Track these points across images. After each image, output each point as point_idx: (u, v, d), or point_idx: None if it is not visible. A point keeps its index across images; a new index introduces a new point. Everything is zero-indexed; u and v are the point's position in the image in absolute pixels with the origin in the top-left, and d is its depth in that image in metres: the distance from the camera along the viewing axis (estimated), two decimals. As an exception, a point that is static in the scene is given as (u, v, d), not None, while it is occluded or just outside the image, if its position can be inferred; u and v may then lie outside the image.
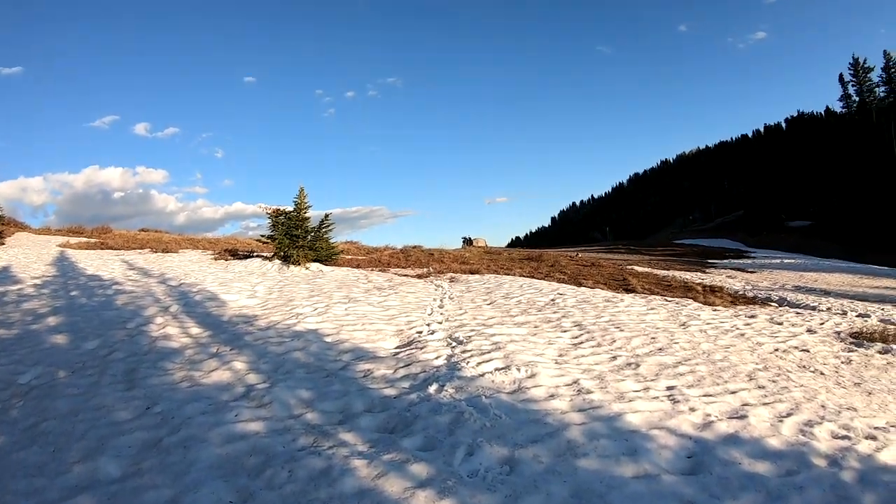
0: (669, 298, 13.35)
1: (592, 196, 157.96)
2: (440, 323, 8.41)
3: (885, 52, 55.62)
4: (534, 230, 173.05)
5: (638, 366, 6.36)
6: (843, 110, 60.95)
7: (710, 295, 14.86)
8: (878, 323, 10.65)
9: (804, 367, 7.21)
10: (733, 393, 5.52)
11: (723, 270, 24.76)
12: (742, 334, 8.86)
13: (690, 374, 6.12)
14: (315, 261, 16.23)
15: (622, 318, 9.50)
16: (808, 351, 7.98)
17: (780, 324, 9.93)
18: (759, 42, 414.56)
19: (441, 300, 10.84)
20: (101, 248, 19.15)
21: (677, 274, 21.48)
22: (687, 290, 15.52)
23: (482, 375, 5.52)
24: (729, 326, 9.41)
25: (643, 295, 13.92)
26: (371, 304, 9.89)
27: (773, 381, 6.16)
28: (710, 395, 5.35)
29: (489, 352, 6.44)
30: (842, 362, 7.61)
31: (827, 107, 72.76)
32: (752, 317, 10.63)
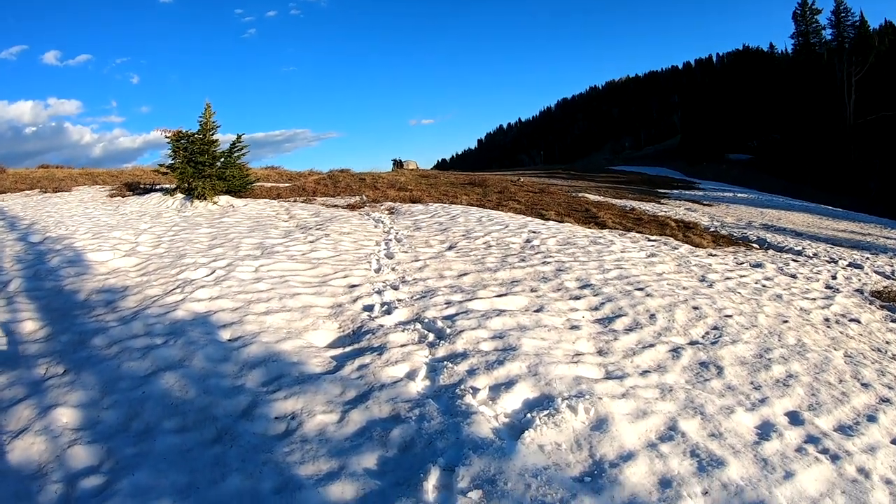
0: (652, 238, 11.67)
1: (520, 119, 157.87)
2: (396, 288, 5.81)
3: None
4: (460, 152, 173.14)
5: (720, 370, 4.22)
6: (794, 48, 61.03)
7: (689, 233, 13.54)
8: (880, 278, 9.62)
9: (878, 349, 5.69)
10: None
11: (678, 202, 23.21)
12: (778, 296, 7.16)
13: (798, 385, 4.18)
14: (226, 192, 13.15)
15: (633, 272, 7.23)
16: (859, 321, 6.57)
17: (794, 277, 8.66)
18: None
19: (387, 244, 8.21)
20: None
21: (637, 205, 19.64)
22: (662, 227, 14.13)
23: (520, 441, 2.94)
24: (751, 282, 7.81)
25: (620, 232, 12.16)
26: (293, 256, 7.12)
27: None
28: (853, 431, 3.61)
29: (497, 359, 3.90)
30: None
31: (771, 43, 73.12)
32: (759, 266, 9.21)
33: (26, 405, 3.37)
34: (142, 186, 15.80)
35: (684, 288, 6.74)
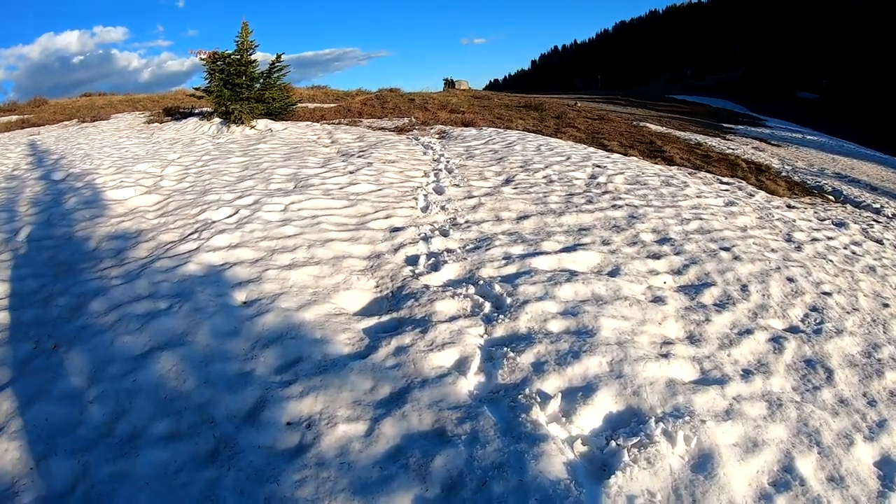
0: (725, 181, 10.63)
1: (575, 42, 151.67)
2: (445, 234, 5.00)
3: None
4: (513, 73, 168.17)
5: (829, 374, 3.48)
6: None
7: (762, 177, 12.38)
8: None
9: None
10: None
11: (745, 139, 21.62)
12: (871, 268, 6.15)
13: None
14: (266, 115, 12.36)
15: (714, 225, 6.25)
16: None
17: (881, 243, 7.67)
18: None
19: (436, 175, 7.36)
20: (23, 127, 15.42)
21: (702, 139, 18.24)
22: (733, 168, 12.98)
23: (604, 490, 2.19)
24: (839, 246, 6.85)
25: (690, 171, 11.17)
26: (329, 190, 6.31)
27: None
28: None
29: (570, 348, 3.09)
30: None
31: None
32: (842, 226, 8.20)
33: (6, 396, 2.83)
34: (181, 111, 15.22)
35: (773, 251, 5.85)
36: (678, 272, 4.64)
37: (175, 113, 15.01)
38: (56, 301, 3.89)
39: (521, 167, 8.02)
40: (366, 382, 2.77)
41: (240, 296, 3.71)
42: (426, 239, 4.86)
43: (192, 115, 13.96)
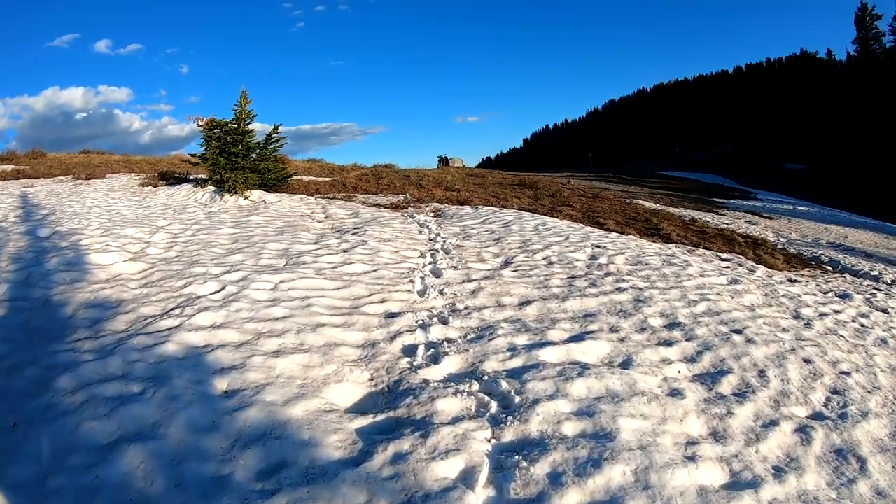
0: (724, 257, 10.46)
1: (566, 120, 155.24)
2: (445, 322, 4.69)
3: None
4: (505, 151, 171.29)
5: (862, 464, 3.27)
6: (855, 53, 57.26)
7: (759, 251, 12.36)
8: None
9: None
10: None
11: (738, 213, 21.76)
12: (882, 340, 6.05)
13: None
14: (261, 185, 12.21)
15: (722, 306, 6.05)
16: None
17: (886, 312, 7.63)
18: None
19: (433, 256, 7.12)
20: (17, 178, 15.47)
21: (696, 215, 18.29)
22: (730, 243, 12.95)
23: None
24: (847, 319, 6.75)
25: (688, 248, 11.02)
26: (322, 269, 6.05)
27: None
28: None
29: (589, 456, 2.79)
30: None
31: (829, 49, 70.04)
32: (846, 297, 8.12)
33: None
34: (176, 176, 15.11)
35: (784, 330, 5.64)
36: (692, 359, 4.39)
37: (170, 177, 14.91)
38: (24, 371, 3.60)
39: (520, 248, 7.82)
40: (360, 496, 2.43)
41: (220, 384, 3.39)
42: (424, 327, 4.55)
43: (186, 180, 13.86)
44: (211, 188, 11.81)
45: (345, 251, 6.90)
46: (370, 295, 5.26)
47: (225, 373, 3.51)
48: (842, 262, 12.52)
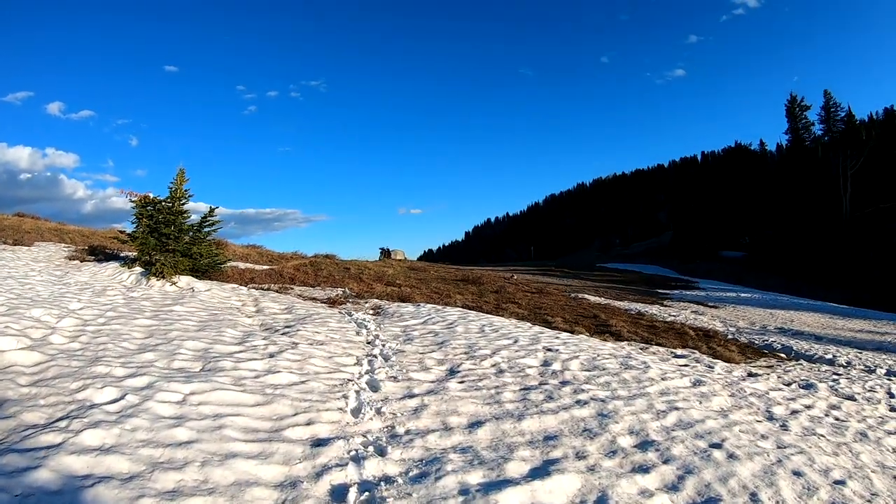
0: (679, 353, 10.26)
1: (507, 214, 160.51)
2: (382, 453, 3.90)
3: (825, 91, 57.33)
4: (447, 244, 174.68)
5: None
6: (788, 143, 61.81)
7: (712, 344, 12.29)
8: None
9: None
10: None
11: (682, 303, 21.89)
12: (862, 434, 6.06)
13: None
14: (191, 271, 11.41)
15: (693, 414, 5.51)
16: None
17: (853, 399, 7.82)
18: (677, 79, 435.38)
19: (371, 364, 6.35)
20: None
21: (642, 308, 18.26)
22: (681, 337, 12.97)
23: None
24: (820, 414, 6.73)
25: (641, 346, 10.72)
26: (242, 379, 5.18)
27: None
28: None
29: None
30: None
31: (761, 140, 74.96)
32: (810, 387, 8.23)
33: None
34: (106, 252, 14.34)
35: (763, 437, 5.22)
36: (674, 487, 3.81)
37: (99, 253, 14.13)
38: None
39: (466, 354, 7.18)
40: None
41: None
42: (358, 459, 3.73)
43: (115, 258, 13.12)
44: (138, 270, 11.03)
45: (271, 356, 6.08)
46: (295, 414, 4.43)
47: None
48: (794, 347, 12.74)
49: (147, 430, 3.79)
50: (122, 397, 4.31)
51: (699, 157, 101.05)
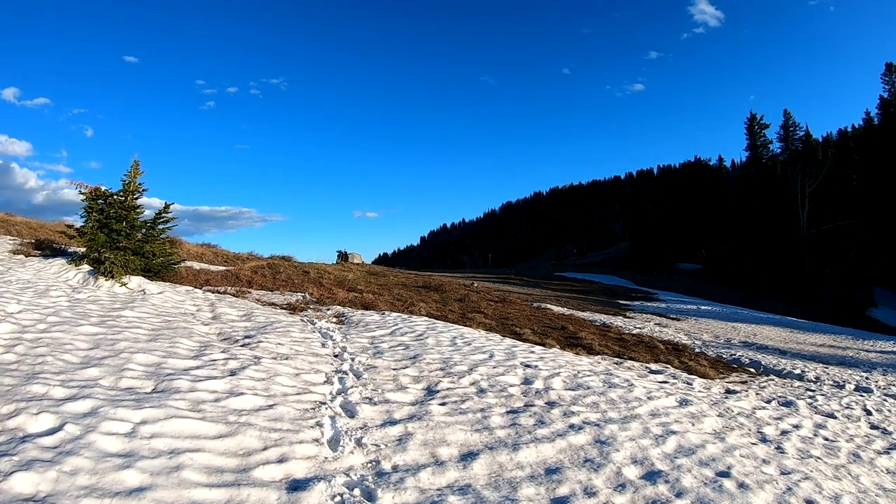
0: (653, 368, 10.19)
1: (464, 220, 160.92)
2: (371, 500, 3.34)
3: (785, 111, 59.11)
4: (403, 248, 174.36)
5: None
6: (748, 160, 63.23)
7: (683, 358, 12.33)
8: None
9: None
10: None
11: (645, 315, 22.00)
12: (855, 455, 6.09)
13: None
14: (143, 271, 10.62)
15: (691, 439, 5.23)
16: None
17: (833, 416, 7.93)
18: (637, 93, 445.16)
19: (342, 382, 5.76)
20: None
21: (606, 320, 18.27)
22: (652, 351, 13.05)
23: None
24: (810, 434, 6.68)
25: (615, 360, 10.58)
26: (200, 402, 4.52)
27: None
28: None
29: None
30: None
31: (720, 155, 76.88)
32: (790, 405, 8.28)
33: None
34: (53, 246, 13.33)
35: (765, 462, 5.05)
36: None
37: (47, 247, 13.13)
38: None
39: (442, 369, 6.72)
40: None
41: None
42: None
43: (63, 254, 12.19)
44: (86, 268, 10.27)
45: (233, 373, 5.42)
46: (265, 448, 3.81)
47: None
48: (762, 362, 12.94)
49: (89, 471, 3.13)
50: (60, 427, 3.59)
51: (655, 171, 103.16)
